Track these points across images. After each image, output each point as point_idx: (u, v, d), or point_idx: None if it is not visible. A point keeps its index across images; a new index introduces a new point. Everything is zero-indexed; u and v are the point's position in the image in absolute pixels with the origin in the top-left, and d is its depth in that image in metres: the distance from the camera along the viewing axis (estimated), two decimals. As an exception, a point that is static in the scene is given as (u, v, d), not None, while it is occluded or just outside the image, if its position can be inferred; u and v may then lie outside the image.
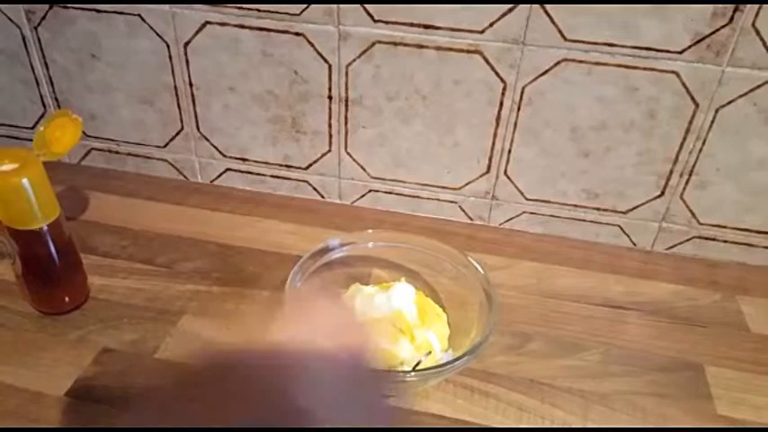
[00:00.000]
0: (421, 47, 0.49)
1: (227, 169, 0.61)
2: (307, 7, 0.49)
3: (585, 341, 0.45)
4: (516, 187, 0.55)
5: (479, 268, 0.43)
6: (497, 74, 0.49)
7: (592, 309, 0.48)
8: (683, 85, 0.47)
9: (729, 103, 0.47)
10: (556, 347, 0.45)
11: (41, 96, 0.60)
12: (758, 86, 0.45)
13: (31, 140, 0.42)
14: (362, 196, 0.60)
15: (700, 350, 0.45)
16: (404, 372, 0.38)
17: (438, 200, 0.58)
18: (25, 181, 0.40)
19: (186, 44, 0.54)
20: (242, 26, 0.51)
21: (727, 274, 0.53)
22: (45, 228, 0.42)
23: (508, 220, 0.58)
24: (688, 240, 0.55)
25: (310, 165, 0.59)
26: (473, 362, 0.42)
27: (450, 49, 0.49)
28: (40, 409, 0.38)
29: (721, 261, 0.55)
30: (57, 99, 0.60)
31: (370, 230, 0.47)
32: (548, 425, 0.39)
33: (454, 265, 0.45)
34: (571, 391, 0.41)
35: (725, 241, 0.54)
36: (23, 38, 0.57)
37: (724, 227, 0.53)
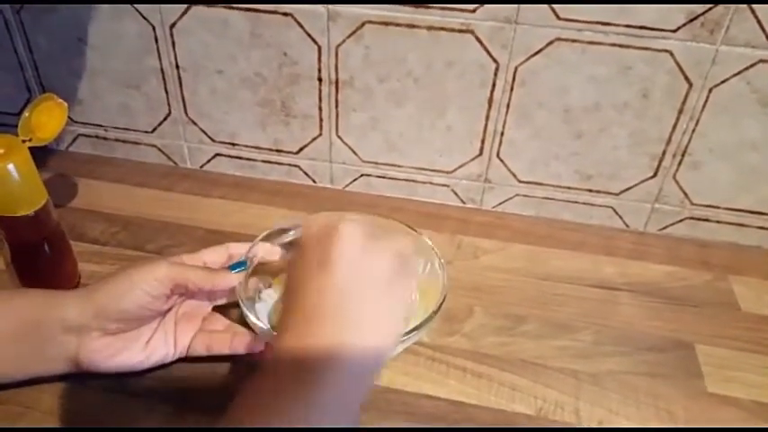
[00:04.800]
0: (412, 27, 0.48)
1: (217, 154, 0.61)
2: (295, -13, 0.48)
3: (578, 322, 0.45)
4: (509, 170, 0.55)
5: (433, 247, 0.43)
6: (490, 54, 0.48)
7: (585, 290, 0.49)
8: (677, 64, 0.46)
9: (723, 82, 0.46)
10: (549, 328, 0.45)
11: (26, 81, 0.59)
12: (752, 65, 0.45)
13: (16, 127, 0.41)
14: (354, 180, 0.59)
15: (691, 329, 0.45)
16: None
17: (431, 183, 0.58)
18: (11, 167, 0.39)
19: (172, 26, 0.53)
20: (229, 7, 0.50)
21: (720, 254, 0.54)
22: (32, 214, 0.41)
23: (501, 203, 0.58)
24: (681, 221, 0.55)
25: (301, 149, 0.58)
26: (466, 344, 0.43)
27: (442, 29, 0.48)
28: (34, 394, 0.37)
29: (713, 241, 0.55)
30: (42, 84, 0.59)
31: (323, 213, 0.46)
32: (540, 404, 0.39)
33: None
34: (563, 371, 0.41)
35: (717, 222, 0.54)
36: (6, 22, 0.55)
37: (716, 207, 0.53)
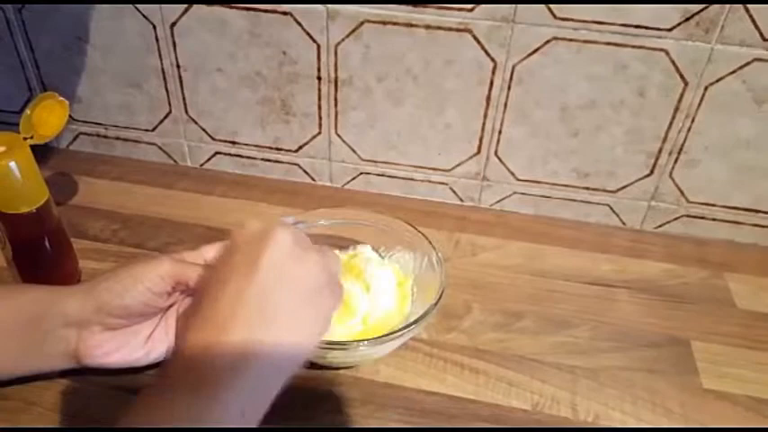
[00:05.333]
0: (410, 26, 0.49)
1: (217, 153, 0.61)
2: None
3: (575, 318, 0.46)
4: (507, 168, 0.56)
5: (430, 241, 0.43)
6: (487, 53, 0.49)
7: (582, 287, 0.49)
8: (673, 62, 0.47)
9: (718, 80, 0.47)
10: (546, 325, 0.45)
11: (27, 80, 0.59)
12: (747, 64, 0.45)
13: (17, 125, 0.41)
14: (353, 179, 0.60)
15: (687, 326, 0.46)
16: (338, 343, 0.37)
17: (429, 182, 0.58)
18: (12, 164, 0.39)
19: (173, 25, 0.53)
20: (229, 6, 0.51)
21: (716, 251, 0.54)
22: (34, 211, 0.41)
23: (499, 201, 0.58)
24: (677, 219, 0.55)
25: (300, 147, 0.59)
26: (464, 340, 0.43)
27: (440, 28, 0.48)
28: (37, 390, 0.38)
29: (710, 239, 0.55)
30: (43, 82, 0.59)
31: (321, 209, 0.47)
32: (536, 399, 0.40)
33: (409, 240, 0.45)
34: (560, 366, 0.42)
35: (713, 219, 0.55)
36: (7, 21, 0.56)
37: (712, 205, 0.54)
